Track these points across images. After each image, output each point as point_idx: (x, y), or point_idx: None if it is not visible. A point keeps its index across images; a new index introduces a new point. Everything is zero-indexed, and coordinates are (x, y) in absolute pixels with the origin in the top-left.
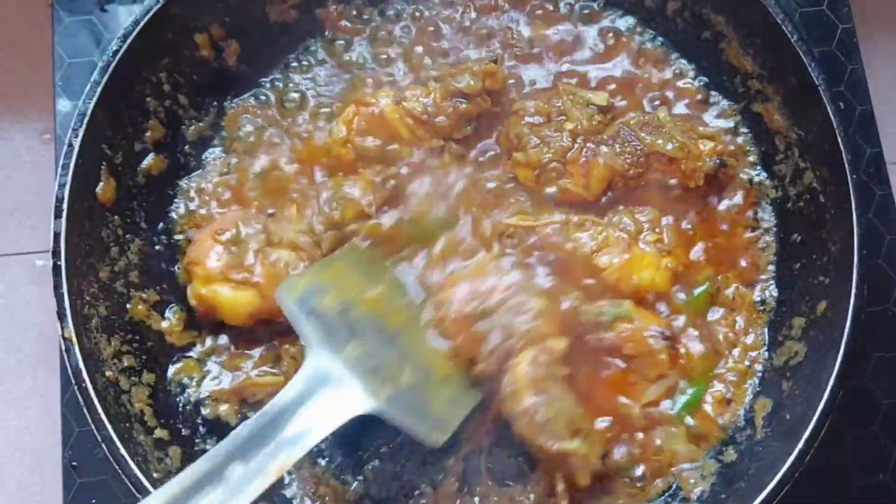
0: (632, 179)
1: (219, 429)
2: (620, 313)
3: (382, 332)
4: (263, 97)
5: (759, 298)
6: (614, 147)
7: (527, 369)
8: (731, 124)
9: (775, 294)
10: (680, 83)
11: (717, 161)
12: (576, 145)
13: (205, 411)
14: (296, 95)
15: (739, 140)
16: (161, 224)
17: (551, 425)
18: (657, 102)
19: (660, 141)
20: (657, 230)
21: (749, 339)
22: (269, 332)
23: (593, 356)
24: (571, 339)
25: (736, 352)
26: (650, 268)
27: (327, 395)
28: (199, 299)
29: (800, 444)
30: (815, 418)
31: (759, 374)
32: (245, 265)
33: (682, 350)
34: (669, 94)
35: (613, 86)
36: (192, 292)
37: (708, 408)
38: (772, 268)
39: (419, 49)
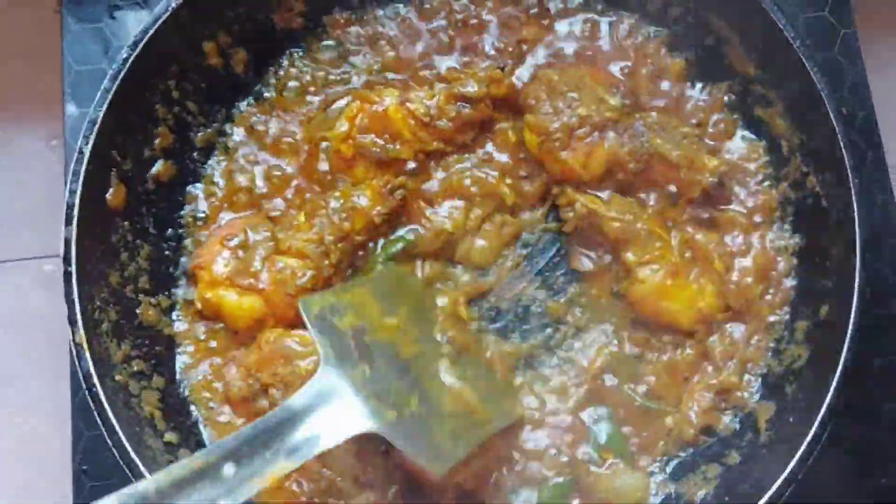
0: (632, 174)
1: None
2: None
3: (395, 359)
4: (267, 94)
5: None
6: (622, 137)
7: None
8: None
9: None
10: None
11: (716, 180)
12: (584, 127)
13: None
14: (295, 86)
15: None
16: (170, 230)
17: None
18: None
19: (668, 145)
20: (719, 260)
21: (749, 351)
22: None
23: None
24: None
25: (731, 364)
26: (683, 304)
27: (331, 411)
28: (204, 303)
29: (802, 447)
30: (817, 421)
31: (759, 381)
32: (251, 271)
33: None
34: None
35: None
36: (197, 296)
37: (692, 415)
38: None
39: (423, 51)
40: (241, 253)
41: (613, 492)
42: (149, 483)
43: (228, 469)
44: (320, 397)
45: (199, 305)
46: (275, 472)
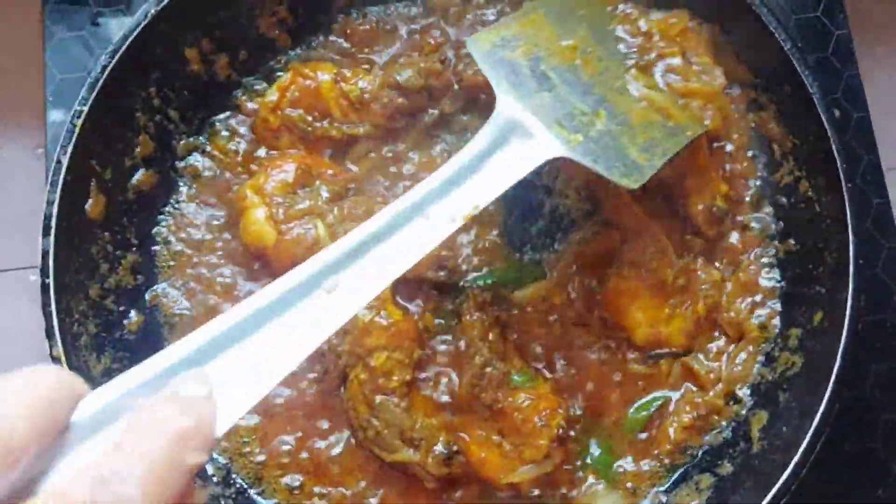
0: None
1: None
2: (528, 384)
3: (575, 82)
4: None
5: (757, 322)
6: None
7: (358, 383)
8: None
9: (777, 322)
10: None
11: (725, 207)
12: None
13: None
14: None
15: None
16: (151, 240)
17: (382, 438)
18: None
19: None
20: (703, 303)
21: (737, 370)
22: None
23: (480, 412)
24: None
25: (718, 387)
26: (643, 318)
27: (518, 143)
28: (238, 196)
29: (796, 457)
30: (811, 430)
31: (752, 390)
32: (290, 211)
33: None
34: None
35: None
36: (243, 188)
37: (671, 431)
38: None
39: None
40: (301, 190)
41: None
42: (365, 227)
43: (431, 209)
44: (506, 130)
45: (242, 195)
46: (471, 209)
